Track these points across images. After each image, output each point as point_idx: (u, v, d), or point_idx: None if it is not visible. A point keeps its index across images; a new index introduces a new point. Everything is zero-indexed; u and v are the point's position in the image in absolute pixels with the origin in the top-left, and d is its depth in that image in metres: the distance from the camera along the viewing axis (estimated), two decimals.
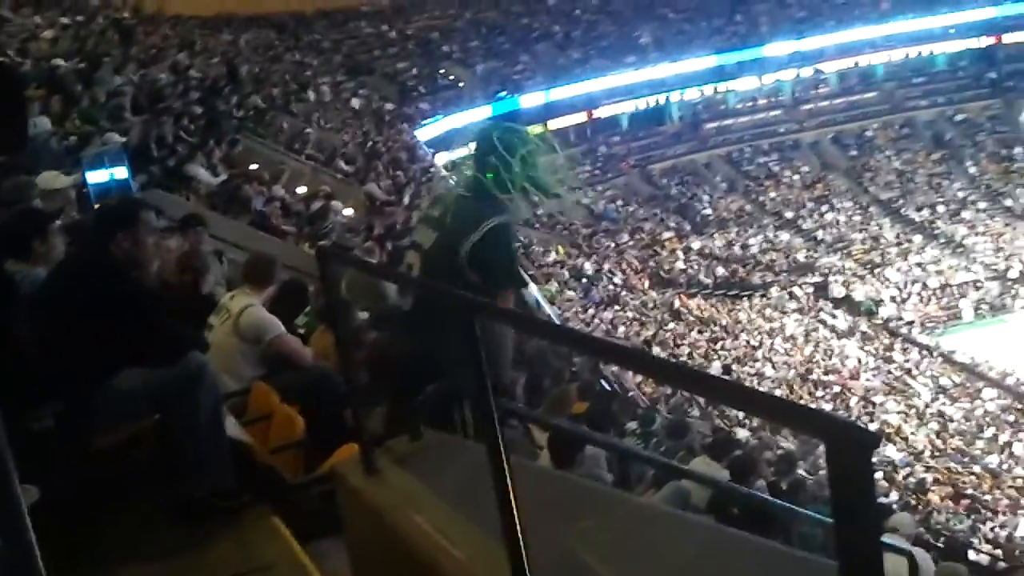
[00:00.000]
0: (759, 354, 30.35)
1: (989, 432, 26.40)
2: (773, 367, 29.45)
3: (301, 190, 17.40)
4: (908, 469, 23.20)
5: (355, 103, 34.89)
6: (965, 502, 21.60)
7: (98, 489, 3.84)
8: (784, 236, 39.13)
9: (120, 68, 17.38)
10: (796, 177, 42.95)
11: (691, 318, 32.37)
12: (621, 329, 29.73)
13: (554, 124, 43.91)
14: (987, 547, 19.26)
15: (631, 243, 37.96)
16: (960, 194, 40.69)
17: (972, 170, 41.93)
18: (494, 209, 4.07)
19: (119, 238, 4.10)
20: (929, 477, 22.73)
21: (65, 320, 3.82)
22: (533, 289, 22.26)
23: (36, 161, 9.72)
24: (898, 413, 27.20)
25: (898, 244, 38.24)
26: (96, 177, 10.69)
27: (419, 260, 4.37)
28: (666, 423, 10.79)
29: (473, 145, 4.14)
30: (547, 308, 22.87)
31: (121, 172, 10.94)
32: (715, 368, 27.67)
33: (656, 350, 28.03)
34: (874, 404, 27.71)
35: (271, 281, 6.35)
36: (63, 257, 4.81)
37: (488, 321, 2.59)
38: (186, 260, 6.67)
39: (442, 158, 37.05)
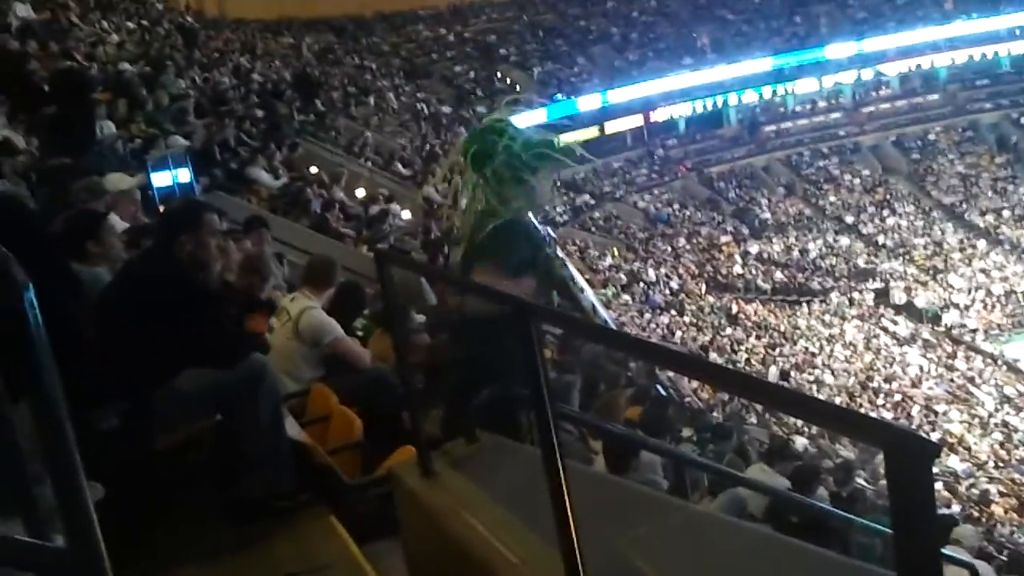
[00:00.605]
0: (818, 361, 30.00)
1: None
2: (832, 374, 29.09)
3: (360, 193, 17.54)
4: (971, 480, 22.72)
5: (414, 106, 35.11)
6: None
7: (159, 488, 3.91)
8: (844, 241, 38.63)
9: (183, 72, 17.69)
10: (856, 181, 42.39)
11: (749, 323, 32.10)
12: (678, 334, 29.57)
13: (611, 127, 43.90)
14: None
15: (688, 247, 37.75)
16: None
17: None
18: (530, 243, 4.11)
19: (182, 240, 4.17)
20: (993, 489, 22.24)
21: (129, 321, 3.89)
22: (589, 293, 22.22)
23: (103, 163, 9.92)
24: (961, 423, 26.68)
25: (961, 249, 37.56)
26: (160, 180, 10.87)
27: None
28: (711, 425, 10.74)
29: (469, 160, 4.12)
30: (603, 312, 22.80)
31: (184, 175, 11.11)
32: (772, 374, 27.38)
33: (713, 356, 27.83)
34: (936, 413, 27.21)
35: (331, 283, 6.40)
36: (128, 258, 4.90)
37: (544, 324, 2.60)
38: (248, 263, 6.76)
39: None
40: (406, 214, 17.21)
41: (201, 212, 4.37)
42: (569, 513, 2.40)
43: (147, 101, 14.24)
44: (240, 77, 21.23)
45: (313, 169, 16.85)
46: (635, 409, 9.33)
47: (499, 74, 45.29)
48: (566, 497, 2.40)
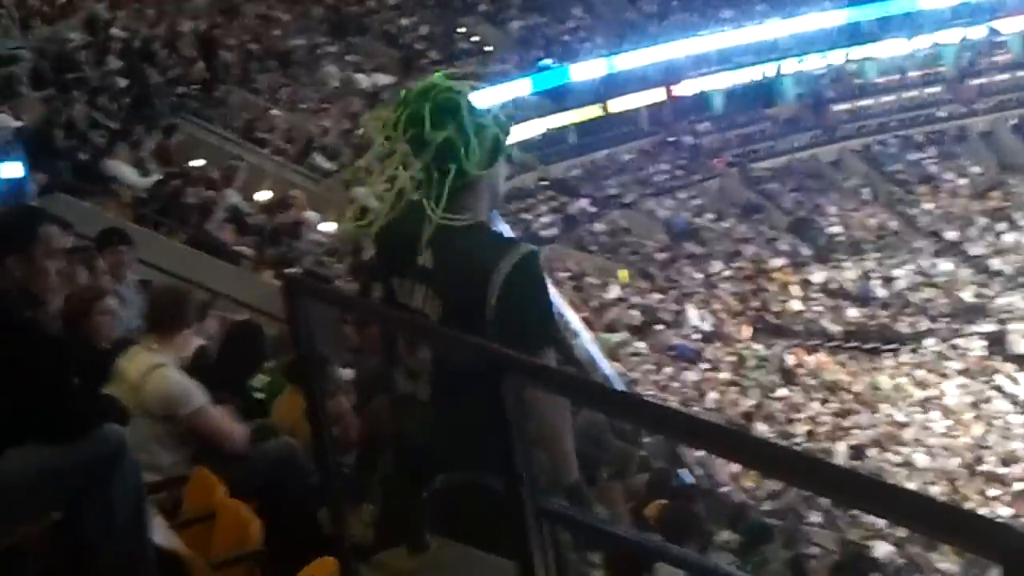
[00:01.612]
0: (907, 435, 30.08)
1: None
2: (928, 453, 29.17)
3: (263, 195, 17.52)
4: None
5: (339, 73, 35.18)
6: None
7: None
8: (945, 266, 38.89)
9: (13, 26, 17.64)
10: (962, 182, 42.75)
11: (811, 382, 32.17)
12: (711, 396, 29.60)
13: (618, 104, 44.11)
14: None
15: (726, 273, 37.89)
16: None
17: None
18: (494, 242, 4.07)
19: (8, 263, 4.15)
20: None
21: None
22: (586, 338, 22.26)
23: None
24: None
25: None
26: None
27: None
28: (753, 525, 10.75)
29: (416, 130, 4.09)
30: (605, 366, 22.83)
31: (14, 169, 11.06)
32: (842, 453, 27.44)
33: (760, 427, 27.86)
34: None
35: (184, 325, 6.23)
36: None
37: (522, 382, 2.60)
38: (85, 295, 6.71)
39: None
40: (328, 226, 17.18)
41: (36, 224, 4.35)
42: None
43: None
44: (95, 32, 21.20)
45: (197, 162, 16.82)
46: (655, 505, 9.34)
47: (461, 29, 45.44)
48: None
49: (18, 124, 13.22)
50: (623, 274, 35.87)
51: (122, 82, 18.12)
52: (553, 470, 4.10)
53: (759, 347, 33.69)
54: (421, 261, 3.98)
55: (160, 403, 5.77)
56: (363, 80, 36.23)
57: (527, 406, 4.12)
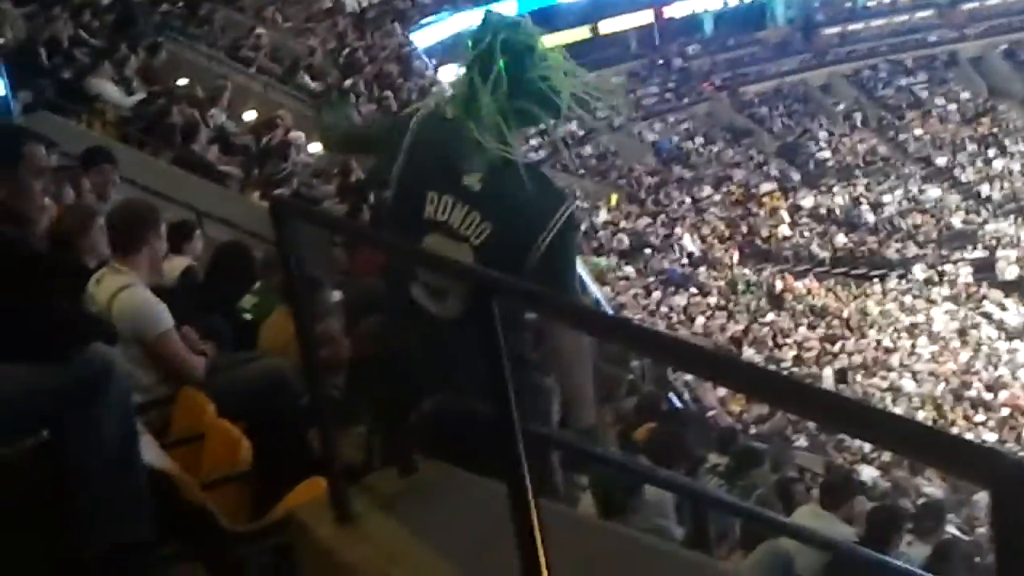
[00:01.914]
0: (895, 360, 30.23)
1: None
2: (914, 379, 29.33)
3: (249, 116, 17.41)
4: None
5: None
6: None
7: None
8: (934, 192, 38.92)
9: None
10: (952, 107, 42.67)
11: (799, 307, 32.28)
12: (699, 321, 29.71)
13: (607, 26, 43.87)
14: None
15: (715, 198, 37.88)
16: None
17: None
18: (548, 185, 4.12)
19: None
20: None
21: None
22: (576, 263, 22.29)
23: None
24: None
25: None
26: None
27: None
28: (741, 449, 10.82)
29: (499, 66, 4.06)
30: (595, 289, 22.85)
31: None
32: (828, 377, 27.60)
33: (748, 351, 27.99)
34: None
35: (144, 242, 5.98)
36: None
37: (511, 304, 2.60)
38: (65, 216, 6.66)
39: (449, 73, 37.07)
40: (315, 147, 17.10)
41: (20, 142, 4.32)
42: (544, 572, 2.40)
43: None
44: None
45: (182, 81, 16.70)
46: (644, 428, 9.39)
47: None
48: (539, 550, 2.40)
49: (0, 41, 13.11)
50: (613, 198, 35.83)
51: (105, 0, 17.95)
52: (573, 411, 4.18)
53: (748, 272, 33.76)
54: (467, 182, 3.98)
55: (129, 324, 5.60)
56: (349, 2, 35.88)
57: (552, 354, 4.20)
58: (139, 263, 5.91)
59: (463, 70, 4.08)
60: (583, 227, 32.38)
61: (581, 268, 22.03)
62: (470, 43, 4.09)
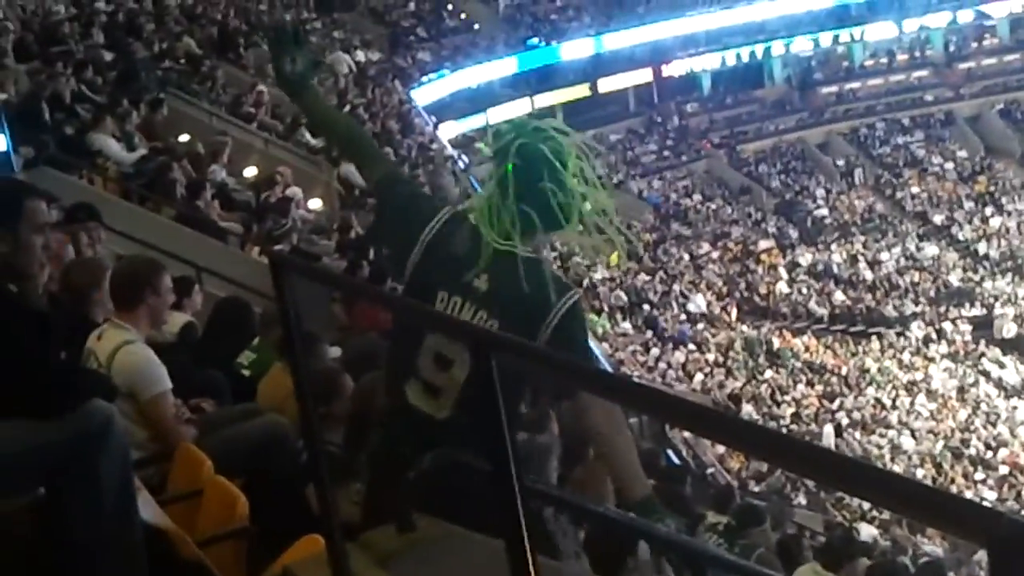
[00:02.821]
0: (893, 418, 30.20)
1: None
2: (913, 436, 29.30)
3: (249, 172, 17.46)
4: None
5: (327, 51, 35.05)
6: None
7: None
8: (931, 249, 39.01)
9: None
10: (949, 166, 42.87)
11: (797, 364, 32.25)
12: (698, 378, 29.68)
13: (606, 84, 44.14)
14: None
15: (713, 255, 37.94)
16: None
17: None
18: (551, 279, 4.15)
19: None
20: None
21: None
22: None
23: None
24: None
25: None
26: None
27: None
28: (740, 507, 10.77)
29: (507, 167, 4.12)
30: (593, 346, 22.85)
31: None
32: (828, 435, 27.54)
33: (747, 409, 27.94)
34: None
35: (142, 298, 5.96)
36: None
37: (509, 360, 2.61)
38: (75, 270, 6.67)
39: (448, 130, 37.29)
40: (315, 203, 17.16)
41: (21, 198, 4.32)
42: None
43: None
44: (81, 5, 21.10)
45: (183, 137, 16.76)
46: None
47: (449, 7, 45.34)
48: None
49: (3, 97, 13.17)
50: (614, 256, 35.86)
51: (108, 56, 18.04)
52: (623, 486, 4.18)
53: (746, 328, 33.77)
54: (475, 282, 4.04)
55: (127, 380, 5.56)
56: (350, 56, 36.11)
57: (585, 431, 4.21)
58: (138, 319, 5.91)
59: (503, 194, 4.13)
60: (584, 283, 32.46)
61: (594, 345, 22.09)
62: (491, 142, 4.18)
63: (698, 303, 34.54)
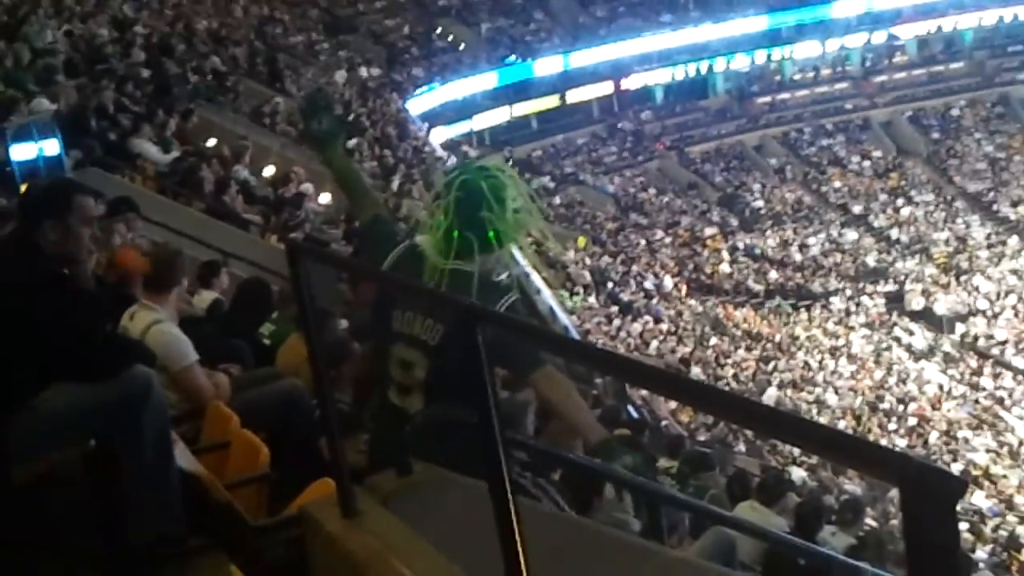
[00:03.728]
0: (819, 377, 30.30)
1: None
2: (836, 393, 29.40)
3: (268, 172, 17.41)
4: (998, 520, 23.10)
5: (334, 67, 34.91)
6: None
7: (16, 531, 3.84)
8: (851, 235, 39.14)
9: (51, 21, 17.42)
10: (866, 164, 42.98)
11: (738, 332, 32.34)
12: (653, 344, 29.71)
13: (574, 96, 44.09)
14: None
15: (666, 240, 37.97)
16: None
17: None
18: (492, 284, 4.17)
19: (46, 227, 4.10)
20: (1023, 530, 22.63)
21: None
22: (547, 294, 22.25)
23: None
24: (987, 452, 27.10)
25: (989, 246, 38.18)
26: (21, 152, 10.72)
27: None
28: (692, 454, 10.80)
29: (451, 198, 4.19)
30: (564, 318, 22.84)
31: (52, 146, 10.96)
32: (770, 396, 27.61)
33: (695, 370, 28.00)
34: (958, 440, 27.61)
35: (174, 282, 5.97)
36: None
37: (493, 330, 2.60)
38: (120, 256, 6.64)
39: (439, 135, 37.22)
40: (325, 197, 17.10)
41: (71, 194, 4.28)
42: (521, 560, 2.39)
43: (5, 56, 14.02)
44: (122, 29, 20.96)
45: (211, 142, 16.70)
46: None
47: (439, 30, 45.18)
48: (518, 541, 2.39)
49: (55, 108, 13.09)
50: (581, 240, 35.92)
51: (145, 72, 17.96)
52: (583, 439, 4.40)
53: (694, 303, 33.83)
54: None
55: (158, 355, 5.36)
56: (354, 72, 35.99)
57: (541, 403, 4.21)
58: (168, 301, 5.87)
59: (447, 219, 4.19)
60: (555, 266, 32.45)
61: (551, 301, 22.08)
62: (440, 178, 4.28)
63: (653, 281, 34.56)
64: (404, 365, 4.13)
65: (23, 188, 8.73)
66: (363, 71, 36.89)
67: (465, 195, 4.14)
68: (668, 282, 34.70)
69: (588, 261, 34.78)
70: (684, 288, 34.84)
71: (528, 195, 4.32)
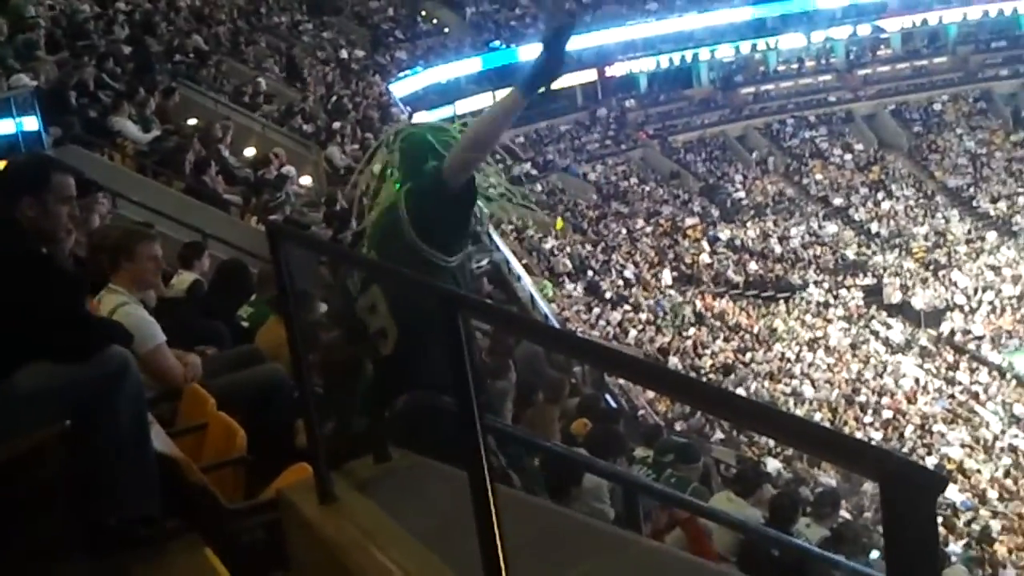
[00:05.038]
0: (796, 369, 30.43)
1: None
2: (813, 385, 29.53)
3: (249, 152, 17.34)
4: (971, 514, 23.28)
5: (317, 48, 34.77)
6: None
7: None
8: (831, 227, 39.26)
9: None
10: (848, 157, 43.09)
11: (716, 323, 32.42)
12: (632, 333, 29.79)
13: (558, 82, 43.93)
14: None
15: (647, 230, 38.01)
16: None
17: None
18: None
19: (24, 204, 4.07)
20: (996, 524, 22.80)
21: None
22: (527, 282, 22.28)
23: None
24: (962, 446, 27.29)
25: (968, 242, 38.38)
26: (0, 128, 10.65)
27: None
28: (671, 445, 10.82)
29: (397, 154, 4.28)
30: (543, 306, 22.89)
31: (31, 122, 10.91)
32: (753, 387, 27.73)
33: (673, 360, 28.08)
34: (933, 434, 27.78)
35: (119, 263, 5.75)
36: None
37: (473, 317, 2.60)
38: (96, 236, 6.58)
39: (422, 119, 37.09)
40: (306, 180, 17.06)
41: (49, 171, 4.25)
42: (499, 548, 2.39)
43: None
44: (103, 4, 20.82)
45: (192, 121, 16.62)
46: (582, 422, 9.37)
47: (423, 13, 45.07)
48: (495, 529, 2.39)
49: (35, 84, 13.00)
50: (559, 222, 35.96)
51: (126, 49, 17.84)
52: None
53: (674, 292, 33.89)
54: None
55: None
56: (337, 54, 35.86)
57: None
58: (122, 282, 5.72)
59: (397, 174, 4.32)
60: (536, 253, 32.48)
61: (532, 288, 22.12)
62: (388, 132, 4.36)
63: (633, 271, 34.64)
64: (371, 310, 4.19)
65: (2, 164, 8.68)
66: (346, 52, 36.73)
67: (409, 147, 4.25)
68: (647, 271, 34.76)
69: (568, 249, 34.82)
70: (664, 278, 34.86)
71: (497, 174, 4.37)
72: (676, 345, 29.87)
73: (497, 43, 44.02)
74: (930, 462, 24.94)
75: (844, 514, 14.11)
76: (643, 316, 31.46)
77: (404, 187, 4.23)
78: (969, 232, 38.88)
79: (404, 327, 4.09)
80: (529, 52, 43.49)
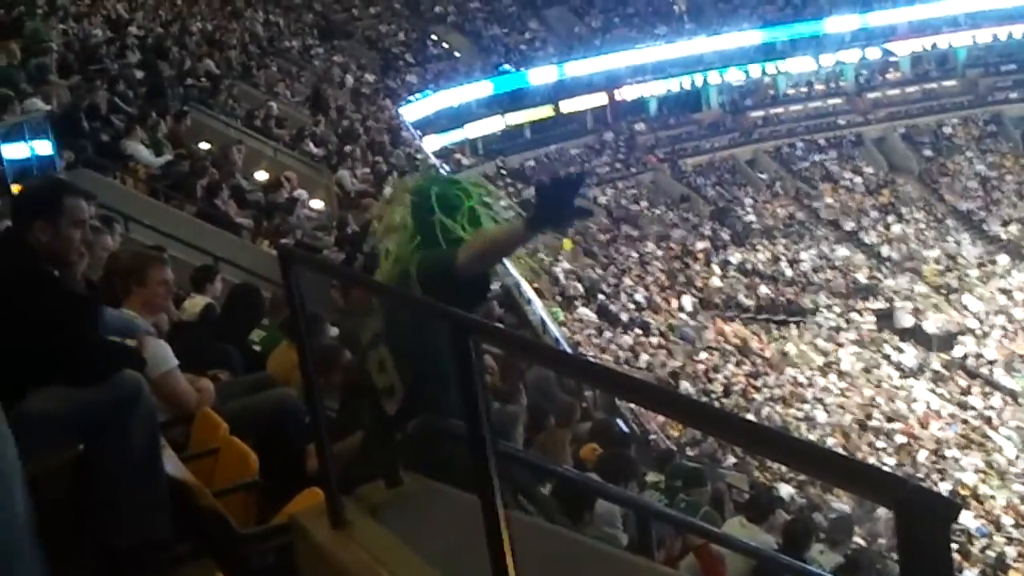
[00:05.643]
0: (808, 394, 30.34)
1: None
2: (825, 410, 29.43)
3: (260, 176, 17.39)
4: (986, 540, 23.15)
5: (329, 72, 34.91)
6: None
7: None
8: (842, 251, 39.19)
9: (45, 20, 17.39)
10: (858, 180, 43.04)
11: (727, 347, 32.35)
12: (643, 358, 29.72)
13: (568, 106, 44.13)
14: None
15: (657, 253, 38.00)
16: None
17: None
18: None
19: (36, 228, 4.09)
20: (1011, 551, 22.68)
21: None
22: (538, 305, 22.28)
23: None
24: (975, 472, 27.16)
25: (979, 265, 38.28)
26: (13, 152, 10.69)
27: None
28: (682, 470, 10.79)
29: (409, 207, 4.37)
30: (554, 329, 22.87)
31: (44, 147, 10.94)
32: (754, 409, 27.64)
33: (684, 385, 28.01)
34: (947, 459, 27.66)
35: (130, 288, 5.83)
36: None
37: (485, 342, 2.60)
38: (110, 261, 6.60)
39: (432, 143, 37.24)
40: (317, 203, 17.10)
41: (62, 195, 4.27)
42: (511, 573, 2.39)
43: None
44: (116, 29, 20.96)
45: (204, 144, 16.68)
46: (590, 447, 9.35)
47: (434, 37, 45.24)
48: (508, 554, 2.39)
49: (48, 108, 13.06)
50: (567, 243, 35.98)
51: (139, 74, 17.95)
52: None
53: (685, 317, 33.85)
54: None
55: None
56: (348, 78, 36.00)
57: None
58: (134, 307, 5.77)
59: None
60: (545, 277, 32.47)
61: (542, 311, 22.11)
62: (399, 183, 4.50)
63: (643, 294, 34.61)
64: (379, 367, 4.22)
65: (15, 188, 8.73)
66: (354, 77, 36.87)
67: (417, 200, 4.31)
68: (687, 302, 34.65)
69: (579, 272, 34.82)
70: (675, 302, 34.82)
71: (493, 202, 4.42)
72: (688, 370, 29.80)
73: (507, 66, 44.14)
74: (944, 488, 24.82)
75: (858, 540, 14.06)
76: (654, 340, 31.41)
77: (415, 245, 4.29)
78: (980, 256, 38.79)
79: (411, 386, 4.13)
80: (539, 75, 43.69)
